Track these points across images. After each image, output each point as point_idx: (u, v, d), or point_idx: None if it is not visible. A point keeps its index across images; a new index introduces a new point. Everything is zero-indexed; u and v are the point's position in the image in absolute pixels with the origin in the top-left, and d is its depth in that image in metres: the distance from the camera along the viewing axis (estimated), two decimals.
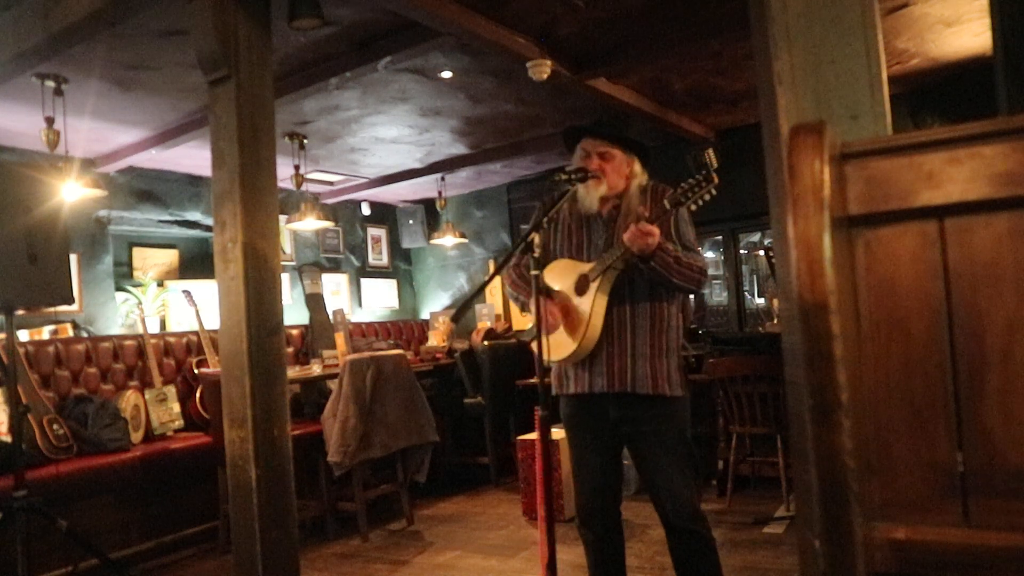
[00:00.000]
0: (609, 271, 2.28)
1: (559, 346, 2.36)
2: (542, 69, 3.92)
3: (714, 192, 2.19)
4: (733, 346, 4.67)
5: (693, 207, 2.22)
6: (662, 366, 2.30)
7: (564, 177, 2.31)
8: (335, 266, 7.28)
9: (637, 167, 2.42)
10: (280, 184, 3.60)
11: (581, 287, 2.33)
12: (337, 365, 4.69)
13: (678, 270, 2.22)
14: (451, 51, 3.91)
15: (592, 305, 2.28)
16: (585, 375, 2.34)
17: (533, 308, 2.22)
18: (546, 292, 2.36)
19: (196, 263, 6.36)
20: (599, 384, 2.31)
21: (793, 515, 3.96)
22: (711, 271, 7.31)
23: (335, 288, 7.18)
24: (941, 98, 5.04)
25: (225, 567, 3.87)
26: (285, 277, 6.31)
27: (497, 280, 7.19)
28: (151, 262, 6.09)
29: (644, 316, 2.31)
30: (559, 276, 2.40)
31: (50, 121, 4.10)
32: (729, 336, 5.18)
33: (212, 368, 4.76)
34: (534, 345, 2.26)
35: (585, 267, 2.34)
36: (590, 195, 2.36)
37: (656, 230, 2.14)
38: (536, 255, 2.10)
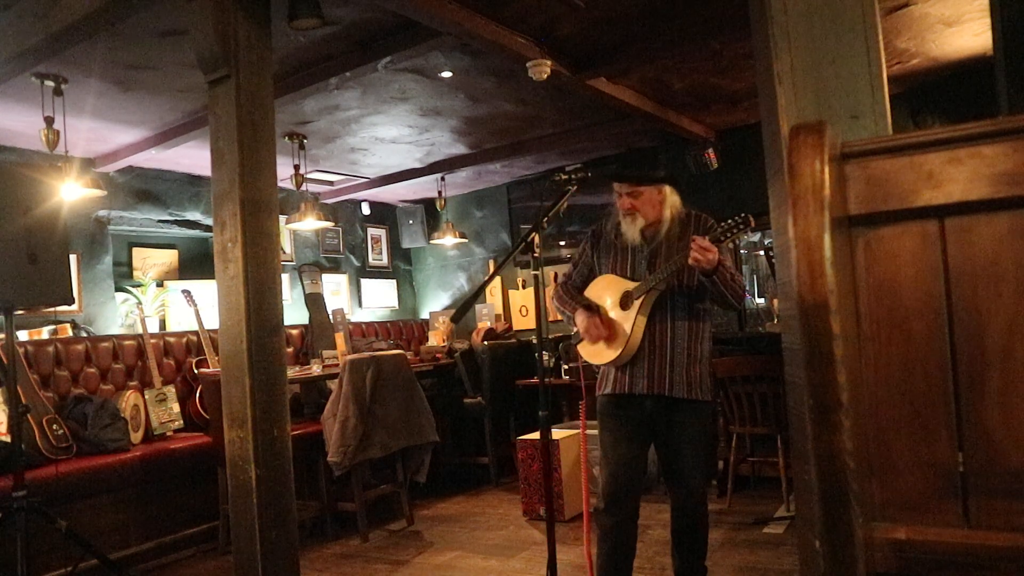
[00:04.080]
0: (652, 291, 2.54)
1: (602, 352, 2.64)
2: (542, 69, 3.92)
3: (750, 234, 2.42)
4: (733, 346, 4.67)
5: (731, 245, 2.51)
6: (696, 373, 2.58)
7: (564, 177, 2.38)
8: (335, 266, 7.28)
9: (667, 190, 2.64)
10: (280, 184, 3.60)
11: (625, 302, 2.60)
12: (337, 365, 4.68)
13: (731, 286, 2.49)
14: (451, 51, 3.91)
15: (634, 319, 2.55)
16: (627, 378, 2.60)
17: (576, 317, 2.66)
18: (593, 307, 2.68)
19: (196, 263, 6.36)
20: (640, 386, 2.57)
21: (793, 515, 3.96)
22: None
23: (335, 288, 7.18)
24: (942, 98, 5.04)
25: (225, 567, 3.87)
26: (285, 277, 6.30)
27: (497, 280, 7.21)
28: (151, 262, 6.09)
29: (684, 330, 2.59)
30: (605, 290, 2.68)
31: (49, 121, 4.10)
32: (729, 336, 5.17)
33: (212, 368, 4.76)
34: (580, 348, 2.68)
35: (630, 285, 2.61)
36: (630, 230, 2.62)
37: (715, 248, 2.38)
38: (536, 255, 2.17)
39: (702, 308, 2.63)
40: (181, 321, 5.63)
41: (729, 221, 2.49)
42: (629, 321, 2.56)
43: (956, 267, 1.02)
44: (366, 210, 7.60)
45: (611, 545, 2.59)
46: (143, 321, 4.92)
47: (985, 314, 1.00)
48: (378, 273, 7.76)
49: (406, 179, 6.59)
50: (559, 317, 2.87)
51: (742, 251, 6.33)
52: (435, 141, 5.68)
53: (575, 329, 2.71)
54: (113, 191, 5.38)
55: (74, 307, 5.04)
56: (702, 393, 2.59)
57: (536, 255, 2.22)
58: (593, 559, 2.66)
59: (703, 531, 2.68)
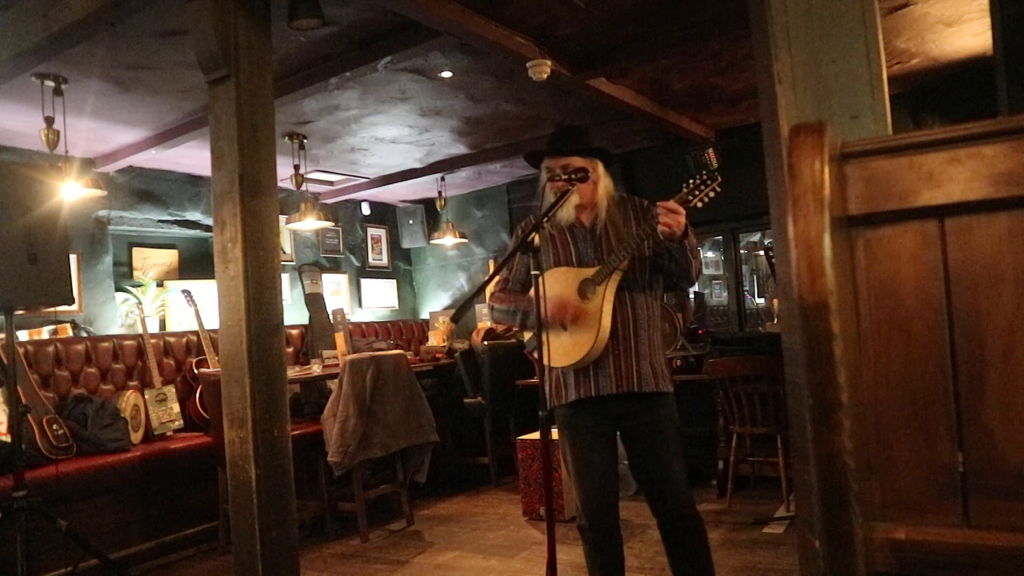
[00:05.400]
0: (616, 273, 2.33)
1: (568, 352, 2.37)
2: (542, 69, 3.92)
3: (719, 189, 2.26)
4: (733, 346, 4.67)
5: (700, 204, 2.26)
6: (658, 363, 2.40)
7: (564, 177, 2.35)
8: (335, 266, 7.28)
9: (600, 169, 2.46)
10: (280, 184, 3.60)
11: (584, 292, 2.37)
12: (337, 365, 4.69)
13: (695, 255, 2.32)
14: (451, 51, 3.91)
15: (602, 308, 2.32)
16: (590, 380, 2.37)
17: (536, 313, 2.23)
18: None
19: (196, 263, 6.35)
20: (606, 386, 2.35)
21: (793, 515, 3.96)
22: (711, 271, 7.32)
23: (335, 288, 7.18)
24: (941, 98, 5.04)
25: (225, 567, 3.87)
26: (285, 277, 6.30)
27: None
28: (151, 262, 6.09)
29: (643, 316, 2.39)
30: (556, 284, 2.41)
31: (50, 121, 4.10)
32: (729, 336, 5.17)
33: (212, 368, 4.76)
34: (537, 355, 2.29)
35: (586, 272, 2.37)
36: (565, 208, 2.40)
37: (682, 210, 2.20)
38: (536, 245, 2.12)
39: (655, 290, 2.44)
40: (181, 321, 5.63)
41: (693, 180, 2.25)
42: (596, 312, 2.32)
43: (956, 267, 1.02)
44: (366, 210, 7.60)
45: (604, 559, 2.43)
46: (143, 321, 4.92)
47: (985, 314, 1.00)
48: (378, 273, 7.76)
49: (406, 179, 6.59)
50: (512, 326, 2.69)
51: (742, 251, 6.34)
52: (435, 141, 5.68)
53: (527, 335, 2.49)
54: (113, 191, 5.38)
55: (74, 307, 5.04)
56: (666, 384, 2.39)
57: (535, 245, 2.15)
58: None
59: (704, 542, 2.37)
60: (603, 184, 2.45)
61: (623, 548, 2.49)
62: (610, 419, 2.40)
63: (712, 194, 2.25)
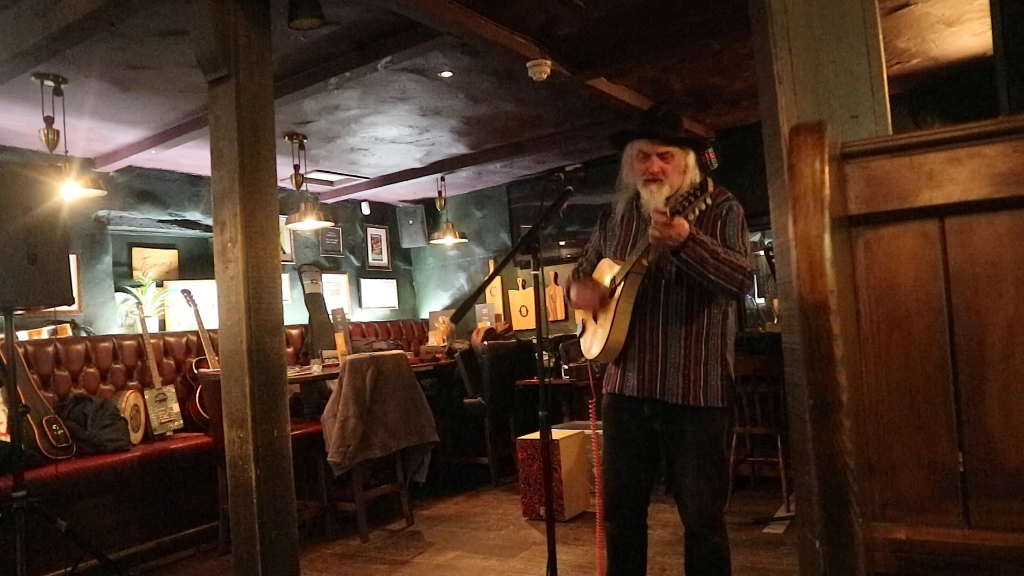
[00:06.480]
0: (631, 275, 2.24)
1: (590, 346, 2.40)
2: (542, 69, 3.92)
3: (709, 202, 2.12)
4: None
5: (691, 216, 2.11)
6: (697, 376, 2.24)
7: (564, 176, 2.35)
8: (335, 266, 7.28)
9: (691, 159, 2.31)
10: (280, 184, 3.60)
11: (611, 289, 2.33)
12: (337, 365, 4.69)
13: (715, 265, 2.07)
14: (451, 51, 3.91)
15: (616, 308, 2.25)
16: (618, 376, 2.35)
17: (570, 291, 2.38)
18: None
19: (196, 263, 6.35)
20: (631, 386, 2.31)
21: (793, 515, 3.96)
22: None
23: (335, 288, 7.17)
24: (942, 98, 5.04)
25: (225, 567, 3.87)
26: (285, 277, 6.30)
27: (497, 280, 7.21)
28: (151, 262, 6.09)
29: (679, 324, 2.25)
30: (600, 277, 2.41)
31: (49, 121, 4.10)
32: None
33: (212, 368, 4.76)
34: (582, 341, 2.45)
35: (616, 268, 2.33)
36: (655, 198, 2.23)
37: (680, 220, 2.03)
38: (538, 254, 2.15)
39: (706, 300, 2.25)
40: (181, 321, 5.63)
41: (686, 191, 2.10)
42: (611, 311, 2.26)
43: (956, 267, 1.02)
44: (366, 210, 7.60)
45: (614, 552, 2.43)
46: (143, 321, 4.92)
47: (985, 314, 1.00)
48: (378, 273, 7.76)
49: (406, 179, 6.59)
50: (559, 316, 2.72)
51: None
52: (435, 141, 5.68)
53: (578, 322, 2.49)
54: (113, 191, 5.38)
55: (74, 307, 5.03)
56: (705, 399, 2.22)
57: (537, 254, 2.17)
58: (604, 561, 2.57)
59: (720, 569, 2.26)
60: (690, 177, 2.29)
61: (645, 549, 2.44)
62: (641, 419, 2.33)
63: (697, 212, 2.10)
